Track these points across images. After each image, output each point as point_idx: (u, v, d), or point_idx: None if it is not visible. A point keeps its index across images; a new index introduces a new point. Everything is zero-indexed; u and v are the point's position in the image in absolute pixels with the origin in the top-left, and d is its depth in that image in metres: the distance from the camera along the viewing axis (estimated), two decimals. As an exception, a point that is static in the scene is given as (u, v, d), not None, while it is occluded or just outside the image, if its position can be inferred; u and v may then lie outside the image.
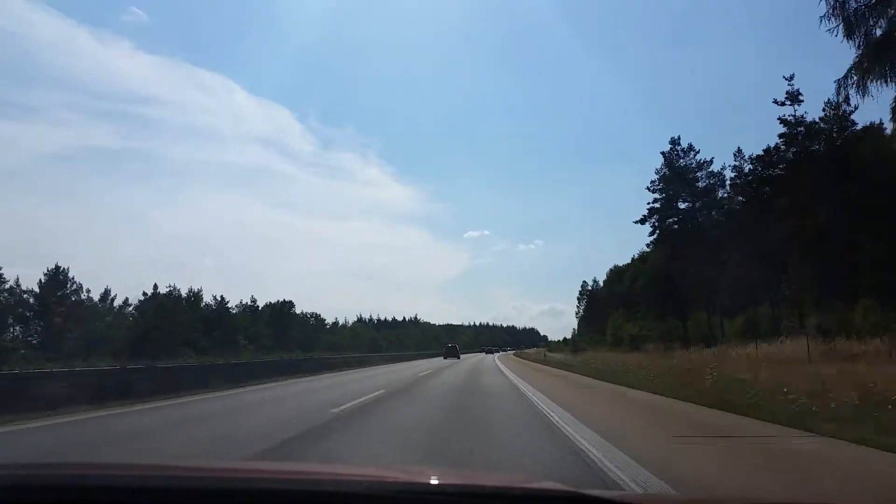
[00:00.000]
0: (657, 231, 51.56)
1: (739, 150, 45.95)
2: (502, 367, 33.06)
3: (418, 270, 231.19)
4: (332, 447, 7.21)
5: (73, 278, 52.43)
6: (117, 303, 57.56)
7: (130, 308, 57.41)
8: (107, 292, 56.76)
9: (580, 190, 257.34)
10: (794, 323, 32.47)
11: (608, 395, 14.81)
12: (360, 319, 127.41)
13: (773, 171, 39.61)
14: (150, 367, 19.03)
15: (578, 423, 8.71)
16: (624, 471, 5.36)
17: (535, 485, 1.70)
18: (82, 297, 53.14)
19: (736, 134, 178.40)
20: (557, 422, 8.97)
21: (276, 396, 15.45)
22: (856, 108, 34.50)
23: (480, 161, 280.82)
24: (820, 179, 32.97)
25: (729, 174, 48.18)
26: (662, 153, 50.74)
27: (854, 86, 19.50)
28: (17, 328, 48.68)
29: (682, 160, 50.20)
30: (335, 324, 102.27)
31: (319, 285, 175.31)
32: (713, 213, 49.32)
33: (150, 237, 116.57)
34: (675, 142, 50.63)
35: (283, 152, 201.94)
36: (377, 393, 15.41)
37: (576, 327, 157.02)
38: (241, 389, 17.90)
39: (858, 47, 19.20)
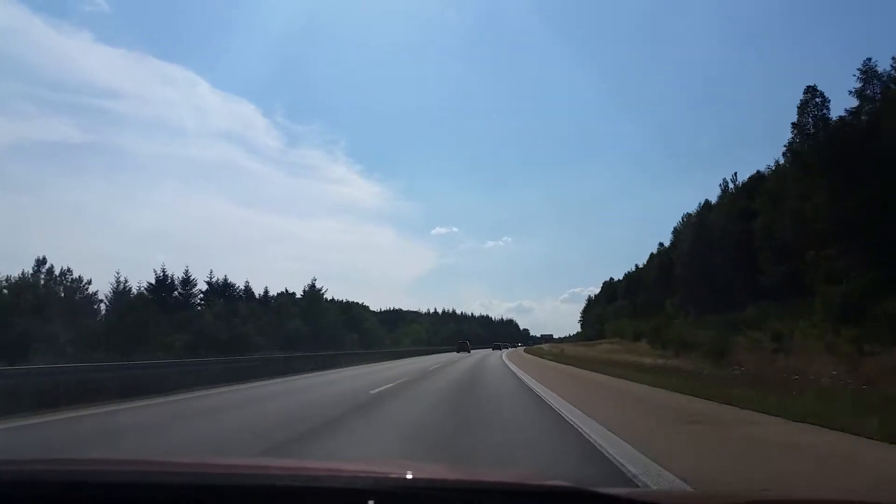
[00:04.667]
0: None
1: None
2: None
3: (385, 269, 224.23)
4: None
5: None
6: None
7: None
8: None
9: (550, 187, 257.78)
10: None
11: None
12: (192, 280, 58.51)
13: None
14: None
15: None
16: None
17: (542, 482, 1.67)
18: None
19: (710, 130, 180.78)
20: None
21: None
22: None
23: (449, 159, 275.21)
24: None
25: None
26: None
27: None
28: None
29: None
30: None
31: (283, 284, 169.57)
32: None
33: (111, 233, 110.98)
34: None
35: (248, 148, 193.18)
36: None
37: (581, 316, 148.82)
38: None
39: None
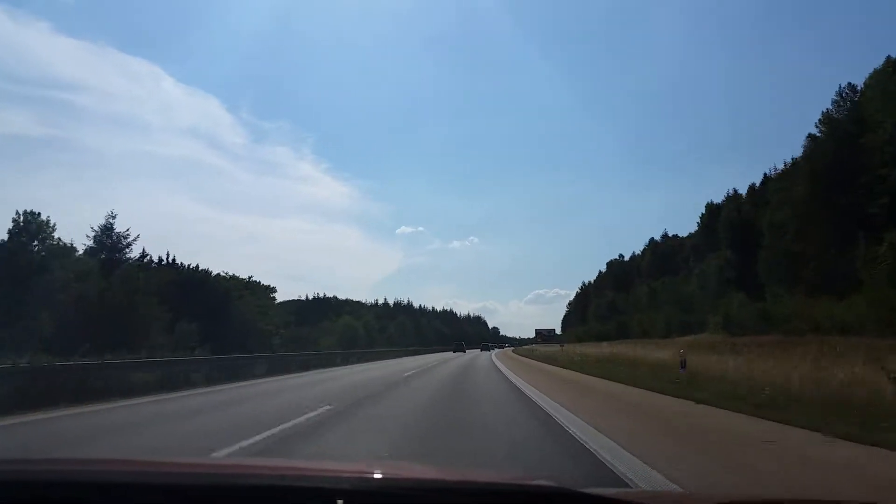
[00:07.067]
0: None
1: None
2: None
3: (351, 269, 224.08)
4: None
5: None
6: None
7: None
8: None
9: (517, 188, 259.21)
10: None
11: None
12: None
13: None
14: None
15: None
16: None
17: (527, 482, 1.65)
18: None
19: (681, 133, 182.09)
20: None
21: None
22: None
23: (417, 158, 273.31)
24: None
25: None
26: None
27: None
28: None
29: None
30: None
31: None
32: None
33: (72, 230, 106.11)
34: None
35: (212, 145, 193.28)
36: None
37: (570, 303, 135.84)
38: None
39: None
